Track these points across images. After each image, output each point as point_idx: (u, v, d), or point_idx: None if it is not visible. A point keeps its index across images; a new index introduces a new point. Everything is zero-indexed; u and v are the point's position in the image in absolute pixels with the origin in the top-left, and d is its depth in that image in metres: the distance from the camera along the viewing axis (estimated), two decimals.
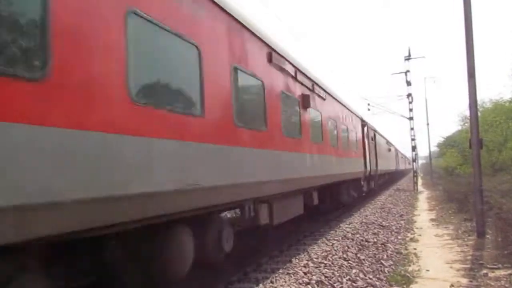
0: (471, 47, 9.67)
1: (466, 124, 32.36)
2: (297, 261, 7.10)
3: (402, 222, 12.99)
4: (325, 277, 5.98)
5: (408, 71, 29.60)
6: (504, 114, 24.57)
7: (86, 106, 3.23)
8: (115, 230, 3.69)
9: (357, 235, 9.70)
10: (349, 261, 7.10)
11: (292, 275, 6.09)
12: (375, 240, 9.35)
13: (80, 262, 4.27)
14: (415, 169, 32.88)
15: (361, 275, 6.34)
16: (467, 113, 22.43)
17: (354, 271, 6.50)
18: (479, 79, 9.71)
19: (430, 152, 47.31)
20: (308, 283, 5.65)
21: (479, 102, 14.71)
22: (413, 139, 31.28)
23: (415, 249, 8.98)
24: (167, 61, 4.39)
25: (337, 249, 8.05)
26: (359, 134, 16.81)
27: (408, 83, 29.60)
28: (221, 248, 5.77)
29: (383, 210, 15.58)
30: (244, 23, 6.16)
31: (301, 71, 9.03)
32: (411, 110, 30.12)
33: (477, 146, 9.60)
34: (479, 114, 11.52)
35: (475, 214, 9.74)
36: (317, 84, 10.39)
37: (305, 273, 6.17)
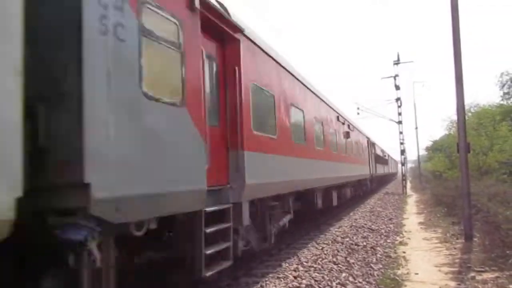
0: (458, 54, 9.82)
1: (453, 129, 32.86)
2: (287, 265, 7.10)
3: (391, 225, 13.08)
4: (315, 281, 6.00)
5: (397, 75, 29.93)
6: (490, 119, 24.99)
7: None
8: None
9: (347, 239, 9.74)
10: (339, 265, 7.13)
11: (282, 279, 6.09)
12: (365, 243, 9.40)
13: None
14: (404, 172, 33.13)
15: (350, 278, 6.36)
16: (454, 117, 22.85)
17: (343, 274, 6.53)
18: (466, 84, 9.87)
19: (418, 155, 47.76)
20: (298, 287, 5.66)
21: (466, 106, 14.95)
22: (402, 143, 31.57)
23: (404, 252, 9.05)
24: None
25: (327, 253, 8.08)
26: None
27: (397, 87, 29.91)
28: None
29: (372, 213, 15.68)
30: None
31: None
32: (400, 114, 30.43)
33: (465, 150, 9.72)
34: (466, 118, 11.67)
35: (463, 218, 9.85)
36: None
37: (295, 277, 6.18)
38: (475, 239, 9.32)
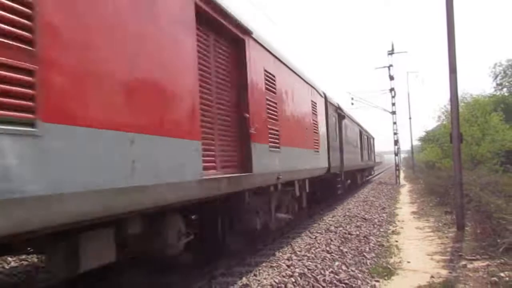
0: (452, 43, 9.80)
1: (443, 118, 32.96)
2: (280, 254, 7.12)
3: (384, 215, 13.17)
4: (308, 269, 6.01)
5: (391, 65, 29.92)
6: (482, 109, 25.12)
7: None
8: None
9: (340, 228, 9.78)
10: (332, 254, 7.16)
11: (275, 268, 6.11)
12: (358, 233, 9.45)
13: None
14: (397, 162, 33.30)
15: (343, 267, 6.40)
16: (448, 107, 22.95)
17: (336, 263, 6.55)
18: (460, 75, 9.86)
19: (412, 146, 48.03)
20: (291, 276, 5.67)
21: (460, 97, 14.98)
22: (395, 133, 31.68)
23: (396, 241, 9.12)
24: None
25: (320, 242, 8.11)
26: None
27: (391, 78, 29.92)
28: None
29: (365, 203, 15.76)
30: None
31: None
32: (393, 104, 30.48)
33: (458, 140, 9.76)
34: (460, 109, 11.69)
35: (455, 207, 9.93)
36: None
37: (288, 266, 6.19)
38: (467, 228, 9.41)
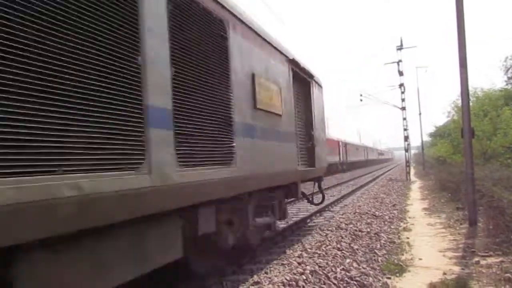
0: (462, 37, 9.69)
1: (453, 113, 32.65)
2: (291, 251, 7.13)
3: (395, 211, 13.08)
4: (319, 267, 6.01)
5: (400, 61, 29.65)
6: (493, 103, 24.82)
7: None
8: None
9: (351, 225, 9.74)
10: (343, 251, 7.14)
11: (286, 266, 6.11)
12: (369, 230, 9.41)
13: None
14: (407, 159, 33.03)
15: (354, 264, 6.38)
16: (457, 102, 22.78)
17: (347, 260, 6.54)
18: (470, 68, 9.76)
19: (422, 141, 47.57)
20: (303, 273, 5.67)
21: (470, 91, 14.78)
22: (405, 129, 31.42)
23: (408, 238, 9.06)
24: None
25: (331, 239, 8.09)
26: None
27: (400, 73, 29.66)
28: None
29: (376, 200, 15.67)
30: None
31: None
32: (403, 100, 30.23)
33: (469, 135, 9.66)
34: (470, 104, 11.56)
35: (467, 203, 9.83)
36: None
37: (299, 263, 6.19)
38: (479, 224, 9.31)
